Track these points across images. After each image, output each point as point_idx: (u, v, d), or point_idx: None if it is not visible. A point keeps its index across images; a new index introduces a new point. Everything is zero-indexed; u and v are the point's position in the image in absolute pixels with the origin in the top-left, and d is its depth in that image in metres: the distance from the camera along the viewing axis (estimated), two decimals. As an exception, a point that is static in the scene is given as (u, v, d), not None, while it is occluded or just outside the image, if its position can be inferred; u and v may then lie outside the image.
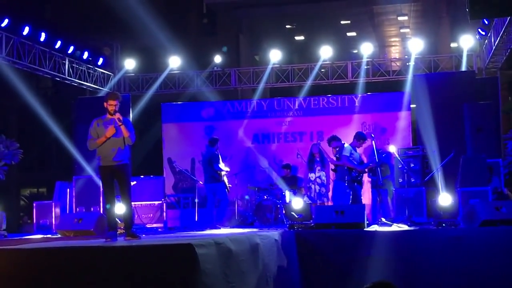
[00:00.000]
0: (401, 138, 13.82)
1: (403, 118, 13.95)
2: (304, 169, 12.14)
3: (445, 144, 11.80)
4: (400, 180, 11.45)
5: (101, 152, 7.51)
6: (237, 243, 6.58)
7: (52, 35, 13.09)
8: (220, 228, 10.58)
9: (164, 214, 12.36)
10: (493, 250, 7.91)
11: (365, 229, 8.88)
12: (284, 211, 11.11)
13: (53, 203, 12.13)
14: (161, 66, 15.86)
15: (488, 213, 8.57)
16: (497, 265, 7.80)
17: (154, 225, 12.14)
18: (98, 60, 14.79)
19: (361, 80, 14.59)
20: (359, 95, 14.44)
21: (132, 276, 5.47)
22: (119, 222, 8.21)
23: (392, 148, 12.03)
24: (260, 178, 13.91)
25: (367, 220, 9.28)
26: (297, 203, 10.62)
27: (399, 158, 11.43)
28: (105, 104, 7.52)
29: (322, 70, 15.29)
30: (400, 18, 23.11)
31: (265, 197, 12.21)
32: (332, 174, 11.49)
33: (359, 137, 11.06)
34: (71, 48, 13.67)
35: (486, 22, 12.59)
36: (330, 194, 11.59)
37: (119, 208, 7.82)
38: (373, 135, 11.05)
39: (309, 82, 14.90)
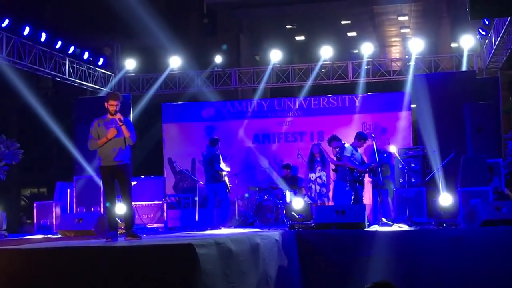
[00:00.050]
0: (402, 138, 13.83)
1: (403, 118, 13.96)
2: (305, 169, 12.14)
3: (445, 144, 11.81)
4: (401, 180, 11.46)
5: (102, 152, 7.51)
6: (237, 243, 6.58)
7: (53, 35, 13.09)
8: (221, 228, 10.58)
9: (165, 214, 12.37)
10: (494, 250, 7.91)
11: (365, 229, 8.88)
12: (284, 211, 11.12)
13: (54, 203, 12.14)
14: (161, 66, 15.86)
15: (488, 213, 8.57)
16: (497, 265, 7.80)
17: (155, 225, 12.15)
18: (98, 60, 14.80)
19: (362, 80, 14.60)
20: (360, 95, 14.45)
21: (132, 276, 5.47)
22: (120, 222, 8.21)
23: (393, 148, 12.04)
24: (260, 178, 13.92)
25: (367, 220, 9.28)
26: (297, 203, 10.64)
27: (399, 158, 11.43)
28: (106, 104, 7.51)
29: (323, 70, 15.29)
30: (400, 18, 23.08)
31: (266, 197, 12.21)
32: (332, 174, 11.49)
33: (360, 137, 11.05)
34: (72, 48, 13.68)
35: (487, 22, 12.59)
36: (330, 194, 11.59)
37: (120, 208, 7.82)
38: (373, 135, 11.05)
39: (309, 82, 14.90)
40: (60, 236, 10.00)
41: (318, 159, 11.66)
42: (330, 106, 14.55)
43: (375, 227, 9.35)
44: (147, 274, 5.44)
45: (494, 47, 12.68)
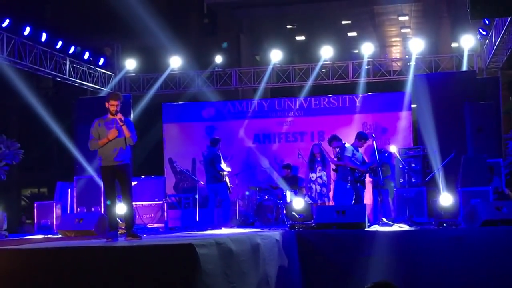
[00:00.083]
0: (402, 138, 13.83)
1: (404, 118, 13.96)
2: (305, 169, 12.14)
3: (446, 144, 11.80)
4: (401, 180, 11.46)
5: (102, 152, 7.51)
6: (238, 243, 6.59)
7: (53, 35, 13.09)
8: (222, 228, 10.58)
9: (165, 214, 12.38)
10: (494, 250, 7.91)
11: (366, 229, 8.88)
12: (285, 211, 11.12)
13: (54, 203, 12.15)
14: (162, 66, 15.86)
15: (489, 213, 8.57)
16: (498, 265, 7.81)
17: (155, 225, 12.15)
18: (99, 60, 14.79)
19: (362, 80, 14.59)
20: (360, 95, 14.45)
21: (133, 276, 5.47)
22: (120, 222, 8.21)
23: (393, 148, 12.03)
24: (261, 178, 13.92)
25: (368, 220, 9.28)
26: (298, 203, 10.64)
27: (400, 158, 11.42)
28: (106, 104, 7.51)
29: (323, 70, 15.29)
30: (401, 18, 23.08)
31: (266, 197, 12.21)
32: (333, 174, 11.49)
33: (361, 137, 11.06)
34: (72, 48, 13.67)
35: (487, 22, 12.59)
36: (331, 194, 11.59)
37: (120, 208, 7.82)
38: (374, 135, 11.05)
39: (310, 82, 14.90)
40: (60, 236, 10.01)
41: (319, 159, 11.66)
42: (330, 106, 14.55)
43: (375, 227, 9.35)
44: (148, 274, 5.44)
45: (495, 47, 12.67)
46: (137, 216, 11.75)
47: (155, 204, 12.42)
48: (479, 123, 11.89)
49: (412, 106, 14.16)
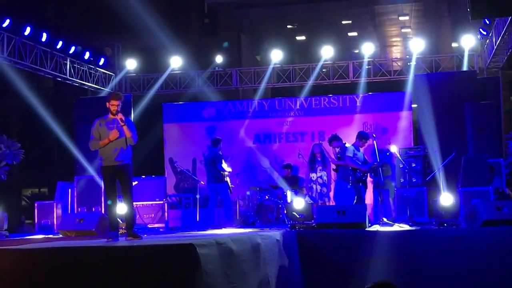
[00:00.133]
0: (402, 138, 13.83)
1: (404, 118, 13.96)
2: (306, 169, 12.14)
3: (446, 144, 11.80)
4: (402, 180, 11.45)
5: (103, 152, 7.51)
6: (238, 243, 6.58)
7: (54, 35, 13.10)
8: (223, 228, 10.58)
9: (166, 214, 12.39)
10: (495, 250, 7.91)
11: (366, 229, 8.88)
12: (285, 211, 11.11)
13: (55, 203, 12.16)
14: (162, 66, 15.87)
15: (489, 213, 8.57)
16: (498, 265, 7.80)
17: (156, 225, 12.15)
18: (99, 60, 14.80)
19: (362, 80, 14.59)
20: (360, 95, 14.45)
21: (133, 276, 5.47)
22: (121, 222, 8.21)
23: (394, 148, 12.02)
24: (261, 178, 13.92)
25: (368, 220, 9.28)
26: (298, 203, 10.63)
27: (400, 158, 11.42)
28: (107, 104, 7.51)
29: (323, 70, 15.29)
30: (401, 18, 23.09)
31: (267, 197, 12.20)
32: (333, 174, 11.49)
33: (361, 137, 11.06)
34: (72, 48, 13.68)
35: (488, 22, 12.58)
36: (331, 194, 11.59)
37: (121, 208, 7.82)
38: (374, 135, 11.05)
39: (310, 82, 14.90)
40: (61, 236, 10.00)
41: (319, 159, 11.66)
42: (331, 106, 14.55)
43: (376, 227, 9.35)
44: (148, 274, 5.44)
45: (495, 47, 12.67)
46: (138, 216, 11.74)
47: (156, 204, 12.43)
48: (480, 123, 11.90)
49: (413, 106, 14.16)
